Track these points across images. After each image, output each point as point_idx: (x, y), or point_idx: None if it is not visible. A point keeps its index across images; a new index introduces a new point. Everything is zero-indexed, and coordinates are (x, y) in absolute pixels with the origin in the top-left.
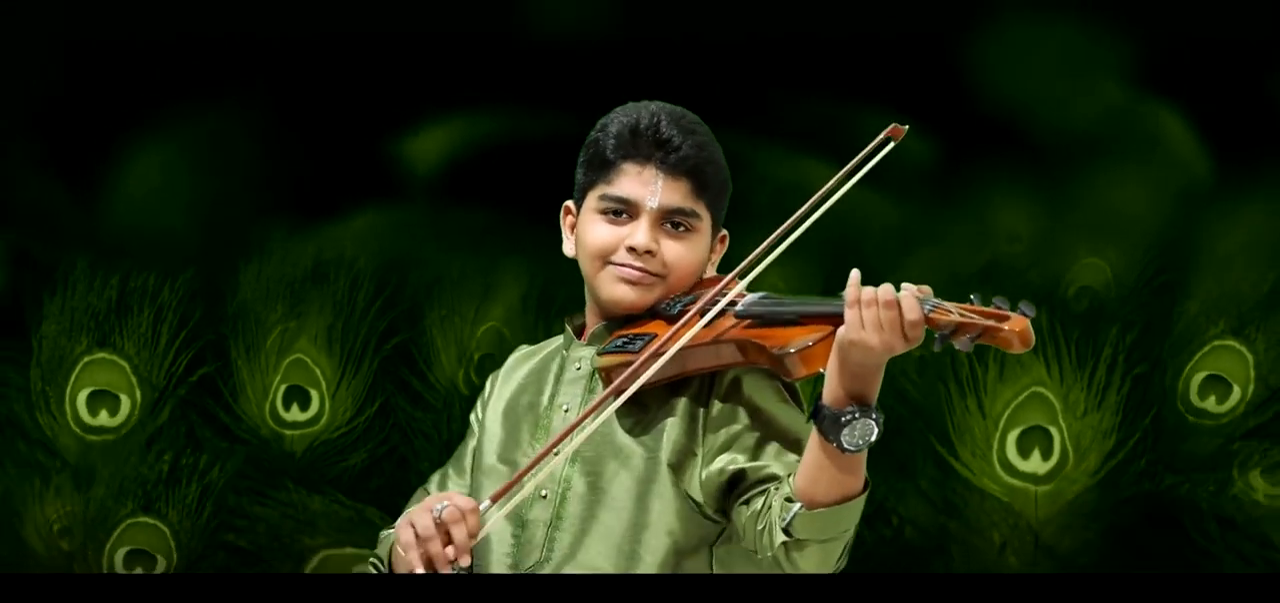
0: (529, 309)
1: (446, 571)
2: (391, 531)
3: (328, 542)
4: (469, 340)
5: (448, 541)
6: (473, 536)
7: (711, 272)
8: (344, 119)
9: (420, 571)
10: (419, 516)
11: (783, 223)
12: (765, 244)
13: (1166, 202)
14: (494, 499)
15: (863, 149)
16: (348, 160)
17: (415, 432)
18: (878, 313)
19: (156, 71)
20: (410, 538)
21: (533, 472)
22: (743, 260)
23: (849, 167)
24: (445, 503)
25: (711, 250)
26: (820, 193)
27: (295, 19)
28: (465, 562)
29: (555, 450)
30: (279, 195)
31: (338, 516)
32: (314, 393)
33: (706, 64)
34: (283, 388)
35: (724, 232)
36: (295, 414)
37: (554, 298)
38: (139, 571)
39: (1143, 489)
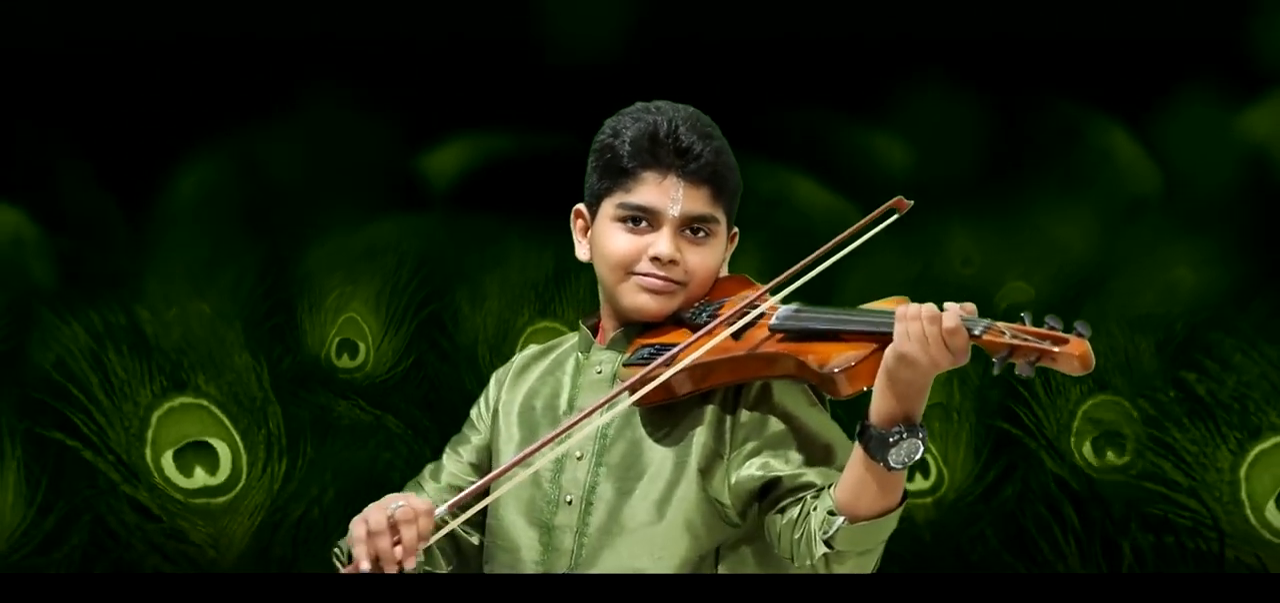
0: (540, 294)
1: (392, 570)
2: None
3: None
4: (487, 315)
5: (397, 539)
6: (423, 538)
7: (725, 270)
8: (378, 134)
9: (365, 567)
10: (374, 512)
11: (768, 232)
12: (771, 284)
13: (1106, 225)
14: (451, 509)
15: (847, 167)
16: (381, 170)
17: (441, 383)
18: (923, 327)
19: (207, 86)
20: (361, 533)
21: (509, 475)
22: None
23: (853, 229)
24: (401, 502)
25: (725, 249)
26: (826, 248)
27: (331, 43)
28: (411, 563)
29: (549, 445)
30: (327, 199)
31: (359, 419)
32: (362, 345)
33: (694, 75)
34: (337, 340)
35: (735, 229)
36: (345, 361)
37: (567, 276)
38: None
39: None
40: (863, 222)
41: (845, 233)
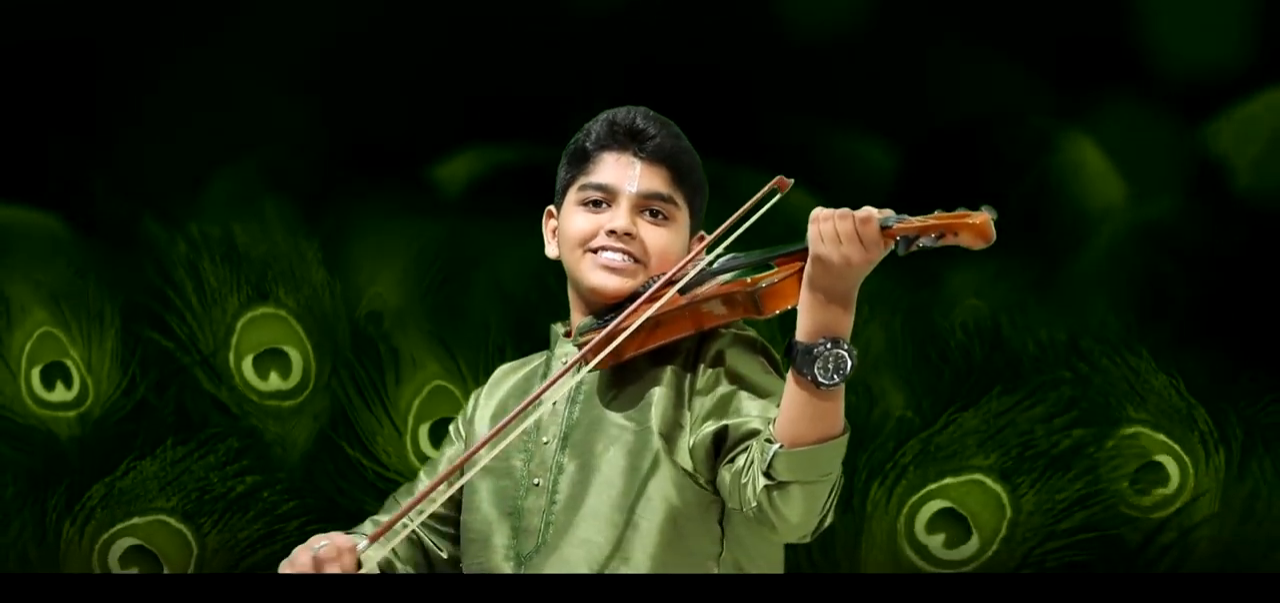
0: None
1: None
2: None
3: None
4: (497, 297)
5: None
6: (346, 572)
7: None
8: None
9: None
10: (300, 554)
11: (759, 239)
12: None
13: (1065, 242)
14: (372, 539)
15: (835, 176)
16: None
17: (456, 351)
18: (835, 225)
19: (237, 103)
20: (287, 572)
21: (450, 481)
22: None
23: (737, 214)
24: (325, 541)
25: (688, 248)
26: (713, 236)
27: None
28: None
29: (493, 443)
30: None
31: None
32: (385, 315)
33: (687, 88)
34: (366, 309)
35: (702, 232)
36: (371, 329)
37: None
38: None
39: None
40: (748, 204)
41: (735, 215)
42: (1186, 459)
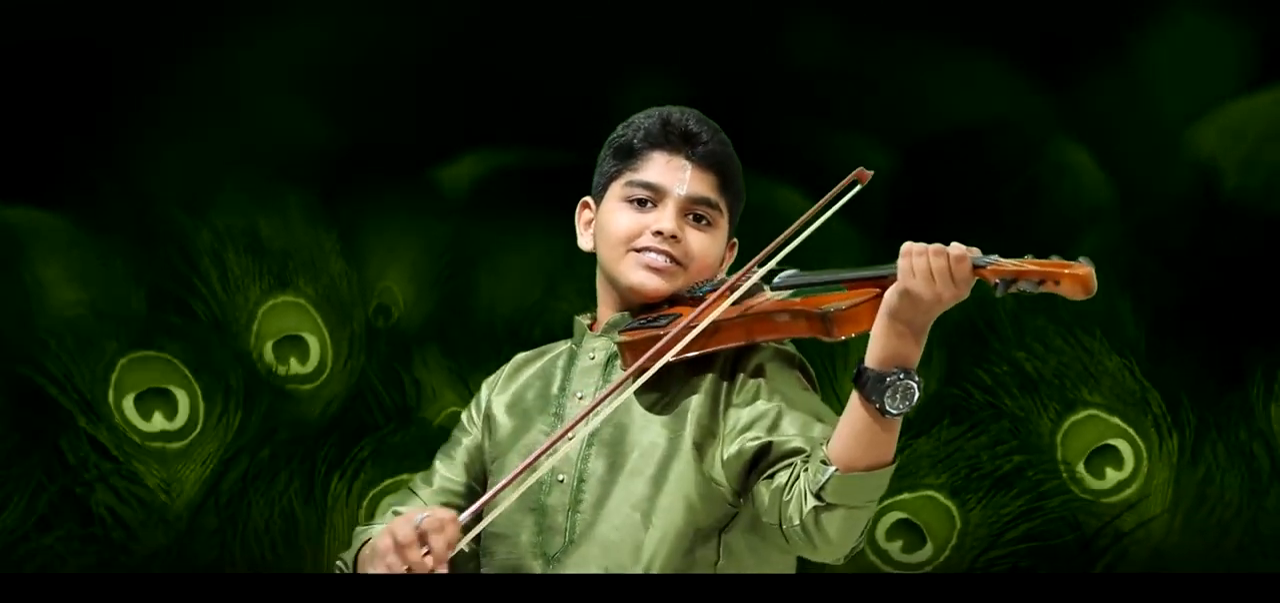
0: (541, 280)
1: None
2: (365, 528)
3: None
4: (499, 288)
5: (426, 550)
6: (451, 545)
7: (722, 276)
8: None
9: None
10: (401, 525)
11: (755, 242)
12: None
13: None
14: (473, 511)
15: (830, 179)
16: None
17: (458, 346)
18: (929, 261)
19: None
20: (389, 544)
21: (535, 467)
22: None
23: (819, 204)
24: (426, 513)
25: (724, 255)
26: (793, 227)
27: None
28: (442, 572)
29: (569, 435)
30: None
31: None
32: (394, 310)
33: (686, 90)
34: (374, 304)
35: (734, 239)
36: (379, 322)
37: (575, 266)
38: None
39: None
40: (829, 195)
41: (815, 208)
42: (1140, 443)
